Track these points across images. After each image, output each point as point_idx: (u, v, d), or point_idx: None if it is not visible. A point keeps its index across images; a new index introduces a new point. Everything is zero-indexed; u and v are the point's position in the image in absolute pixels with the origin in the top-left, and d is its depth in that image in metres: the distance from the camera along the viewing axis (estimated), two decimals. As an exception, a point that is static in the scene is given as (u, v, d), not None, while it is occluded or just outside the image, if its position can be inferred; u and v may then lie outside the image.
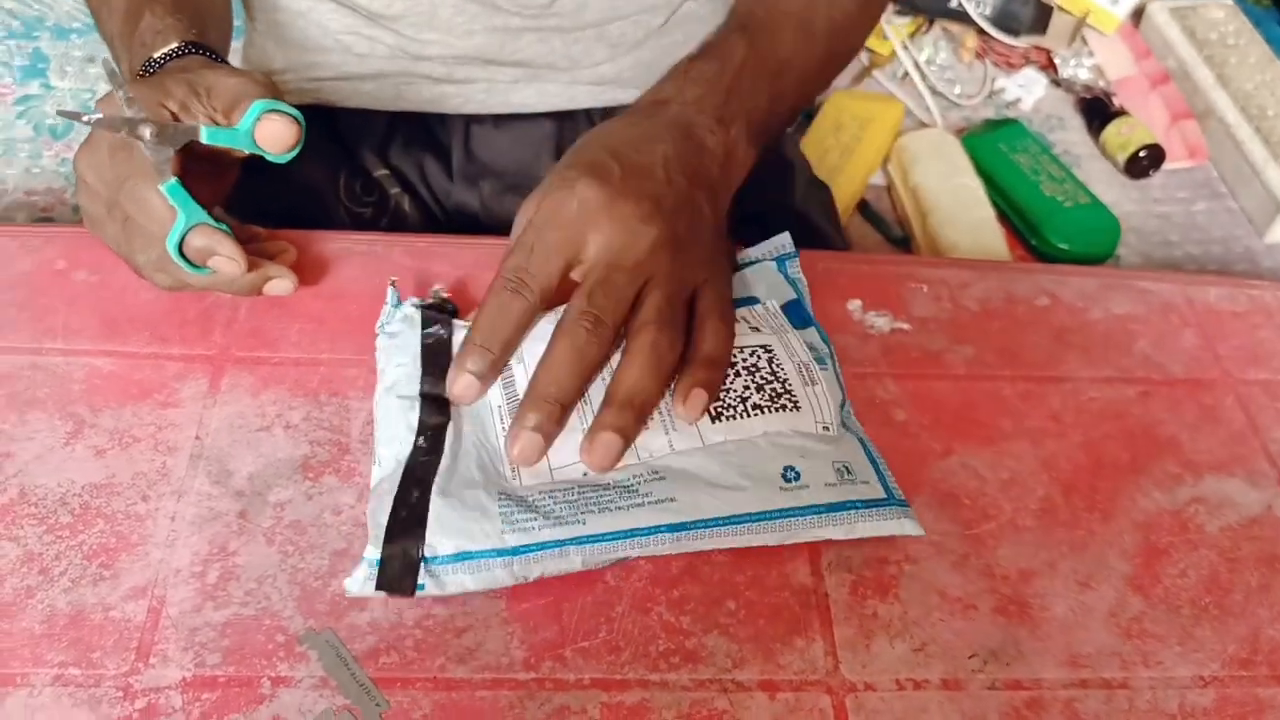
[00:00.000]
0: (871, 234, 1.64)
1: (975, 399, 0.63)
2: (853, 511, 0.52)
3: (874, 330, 0.66)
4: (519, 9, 0.81)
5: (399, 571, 0.48)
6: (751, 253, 0.67)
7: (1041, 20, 1.94)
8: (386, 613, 0.49)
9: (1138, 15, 2.04)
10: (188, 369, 0.58)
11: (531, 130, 0.87)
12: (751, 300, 0.62)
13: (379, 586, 0.48)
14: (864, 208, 1.67)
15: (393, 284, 0.59)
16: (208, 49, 0.65)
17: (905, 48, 1.88)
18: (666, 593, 0.51)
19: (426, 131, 0.87)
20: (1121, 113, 1.87)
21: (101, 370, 0.58)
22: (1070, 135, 1.94)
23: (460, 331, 0.58)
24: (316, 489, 0.53)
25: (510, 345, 0.54)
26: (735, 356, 0.56)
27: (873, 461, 0.55)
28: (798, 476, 0.52)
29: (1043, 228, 1.57)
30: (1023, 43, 1.98)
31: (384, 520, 0.49)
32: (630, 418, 0.52)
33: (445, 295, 0.59)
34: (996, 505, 0.57)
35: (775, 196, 0.93)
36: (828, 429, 0.55)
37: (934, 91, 1.88)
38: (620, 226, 0.55)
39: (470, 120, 0.86)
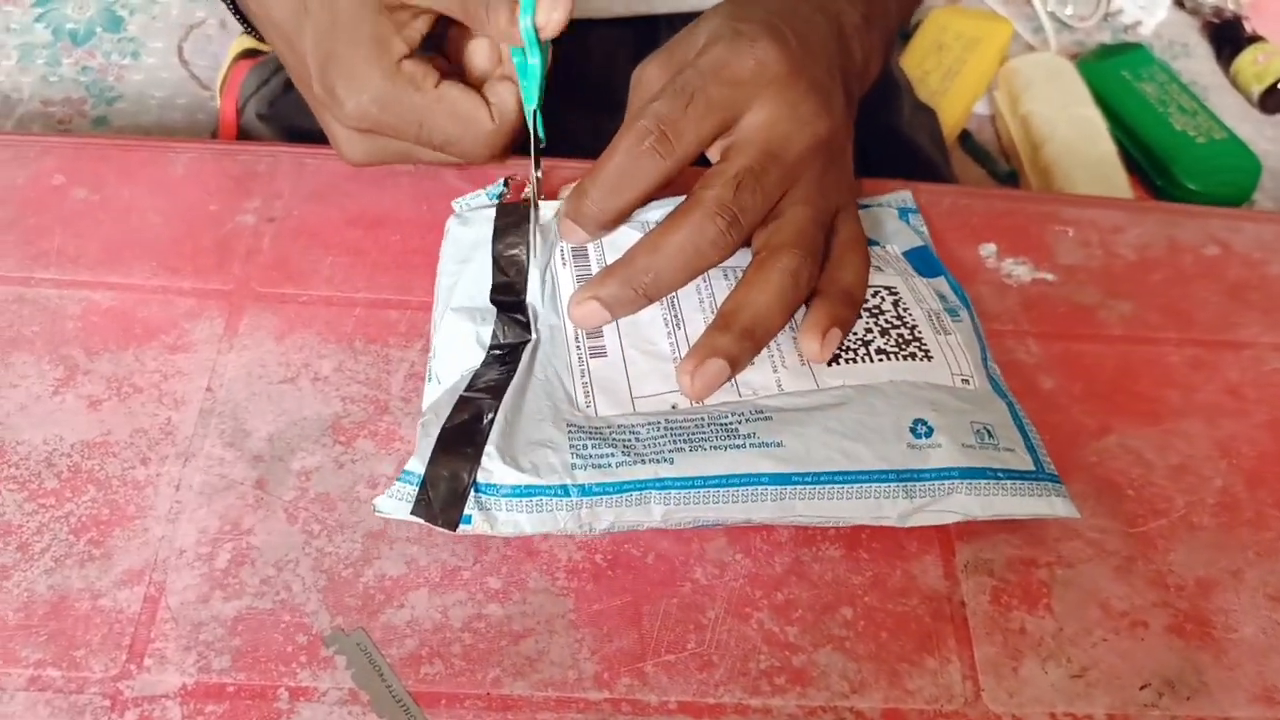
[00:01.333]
0: (974, 169, 1.54)
1: (1135, 366, 0.55)
2: (992, 482, 0.45)
3: (1012, 280, 0.58)
4: None
5: (444, 496, 0.42)
6: (867, 200, 0.60)
7: (1168, -68, 1.82)
8: (430, 610, 0.43)
9: (1276, -72, 1.91)
10: (201, 306, 0.52)
11: (607, 37, 0.79)
12: (870, 242, 0.55)
13: (416, 510, 0.42)
14: (965, 139, 1.57)
15: (505, 181, 0.52)
16: None
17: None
18: (769, 596, 0.44)
19: (490, 38, 0.80)
20: (1256, 38, 1.76)
21: (100, 305, 0.51)
22: (1196, 64, 1.83)
23: (546, 211, 0.51)
24: (349, 455, 0.47)
25: (627, 215, 0.47)
26: None
27: (1021, 428, 0.48)
28: (929, 432, 0.45)
29: (1173, 166, 1.47)
30: (1145, -43, 1.87)
31: (435, 432, 0.43)
32: (748, 349, 0.46)
33: (537, 177, 0.52)
34: (1166, 498, 0.50)
35: (882, 120, 0.85)
36: (967, 382, 0.48)
37: (1045, 11, 1.77)
38: (791, 109, 0.47)
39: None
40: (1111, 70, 1.62)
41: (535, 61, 0.48)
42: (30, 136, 0.59)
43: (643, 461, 0.43)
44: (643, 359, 0.47)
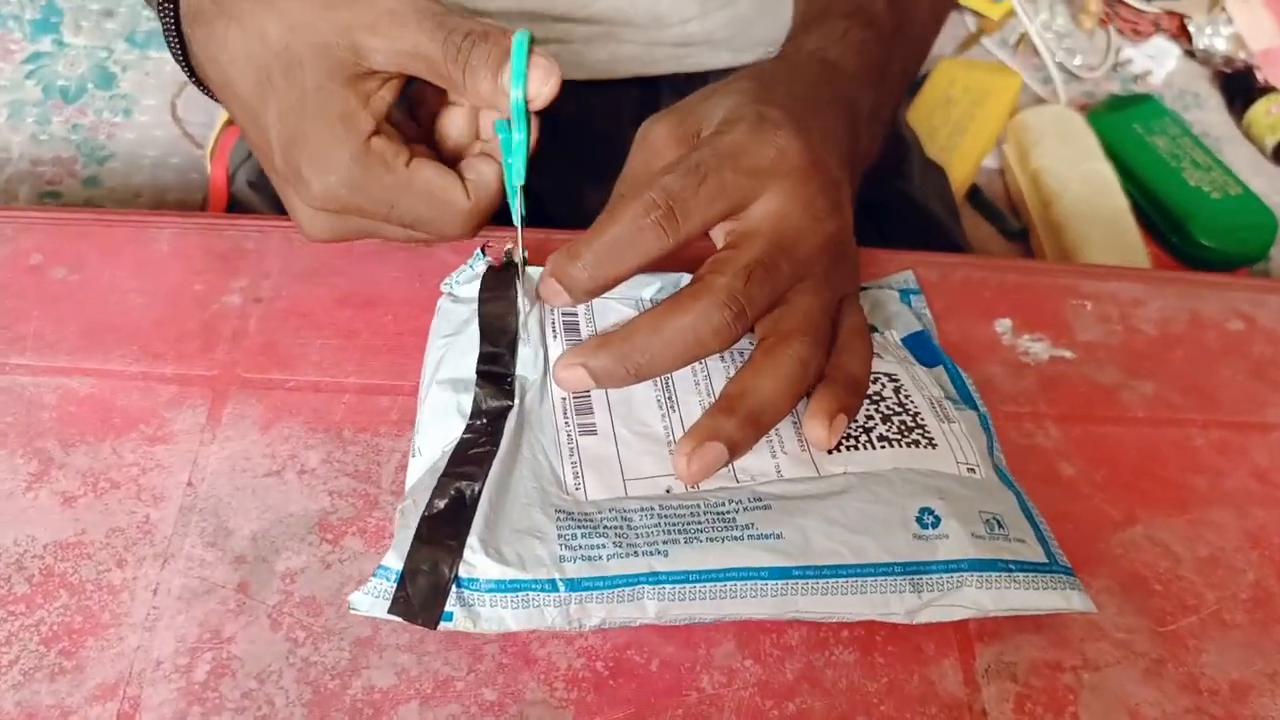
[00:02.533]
0: (983, 225, 1.54)
1: (1160, 450, 0.54)
2: (1004, 574, 0.43)
3: (1029, 359, 0.57)
4: None
5: (424, 592, 0.40)
6: (868, 282, 0.60)
7: (1177, -19, 1.83)
8: (420, 725, 0.41)
9: (1287, -23, 1.92)
10: (183, 394, 0.51)
11: (610, 99, 0.79)
12: (869, 328, 0.54)
13: (394, 609, 0.40)
14: (974, 194, 1.56)
15: (482, 250, 0.51)
16: None
17: (1022, 10, 1.77)
18: (780, 706, 0.43)
19: (488, 101, 0.79)
20: (1269, 89, 1.76)
21: (78, 393, 0.50)
22: (1207, 115, 1.83)
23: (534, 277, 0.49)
24: (336, 555, 0.46)
25: (614, 285, 0.46)
26: None
27: (1030, 519, 0.46)
28: (936, 522, 0.43)
29: (1189, 223, 1.46)
30: (1153, 7, 1.87)
31: (414, 522, 0.42)
32: (750, 435, 0.44)
33: (523, 256, 0.51)
34: (1196, 593, 0.48)
35: (892, 184, 0.85)
36: (973, 471, 0.46)
37: (1054, 61, 1.77)
38: (806, 205, 0.47)
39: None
40: (1123, 123, 1.62)
41: (521, 136, 0.47)
42: (8, 212, 0.58)
43: (636, 554, 0.41)
44: (635, 440, 0.46)
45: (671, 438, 0.46)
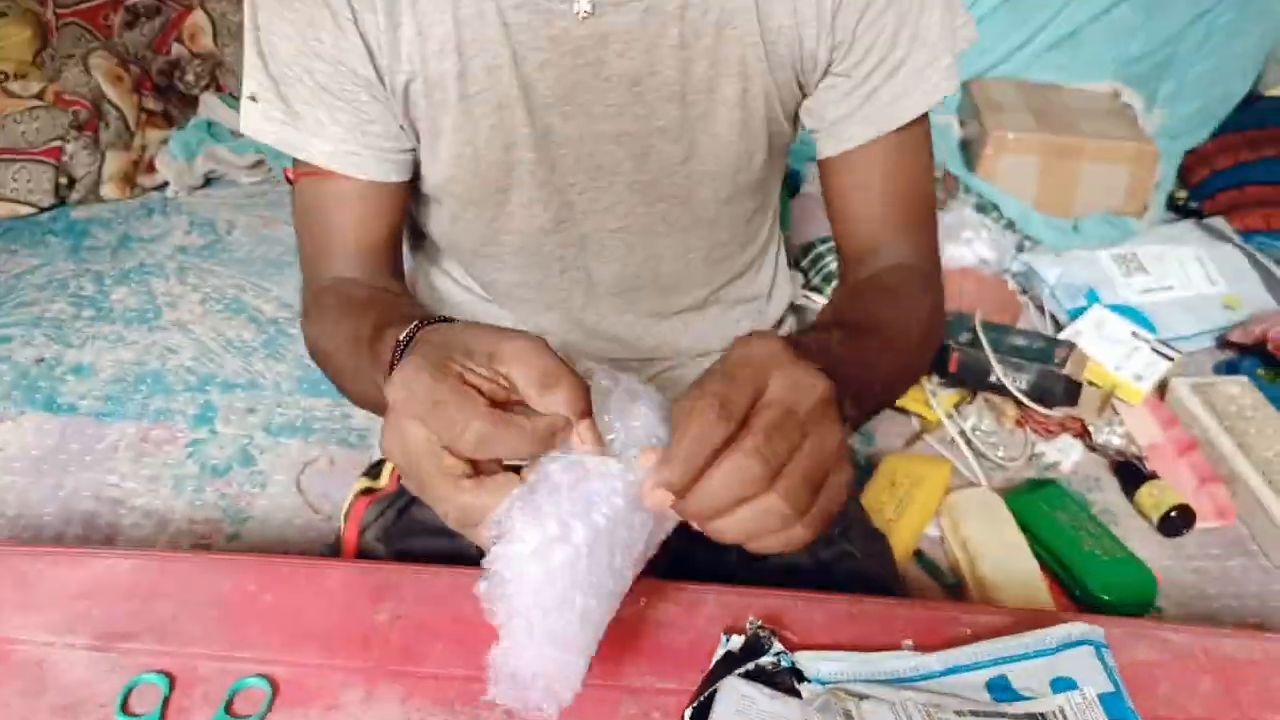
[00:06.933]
0: (926, 580, 1.69)
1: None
2: None
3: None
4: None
5: None
6: (1062, 631, 0.61)
7: (1072, 394, 2.02)
8: None
9: (1162, 388, 2.12)
10: (348, 678, 0.65)
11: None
12: (1067, 683, 0.57)
13: None
14: (919, 556, 1.73)
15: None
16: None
17: (950, 416, 1.98)
18: None
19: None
20: (1153, 476, 1.90)
21: (277, 676, 0.65)
22: (1107, 495, 1.97)
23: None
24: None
25: None
26: None
27: None
28: None
29: (1087, 580, 1.61)
30: (1057, 413, 2.07)
31: None
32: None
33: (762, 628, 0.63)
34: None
35: (838, 545, 0.96)
36: None
37: (979, 455, 1.96)
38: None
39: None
40: (1033, 502, 1.78)
41: None
42: (229, 556, 0.75)
43: None
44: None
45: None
